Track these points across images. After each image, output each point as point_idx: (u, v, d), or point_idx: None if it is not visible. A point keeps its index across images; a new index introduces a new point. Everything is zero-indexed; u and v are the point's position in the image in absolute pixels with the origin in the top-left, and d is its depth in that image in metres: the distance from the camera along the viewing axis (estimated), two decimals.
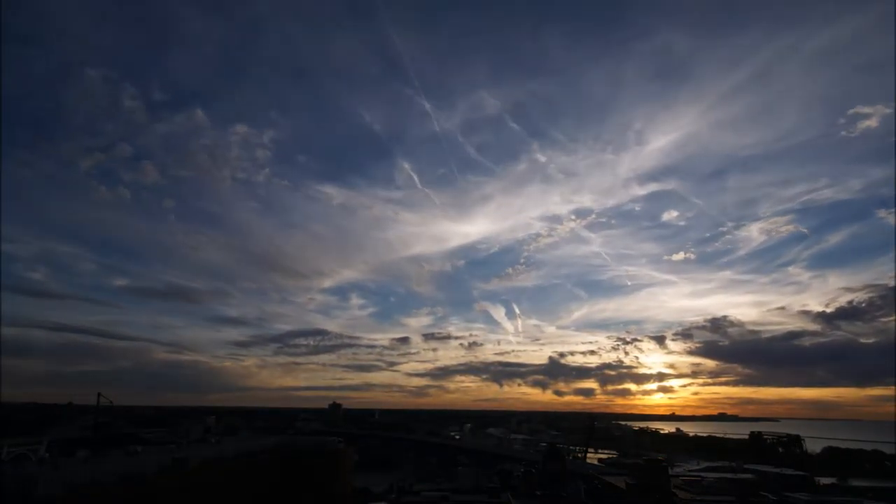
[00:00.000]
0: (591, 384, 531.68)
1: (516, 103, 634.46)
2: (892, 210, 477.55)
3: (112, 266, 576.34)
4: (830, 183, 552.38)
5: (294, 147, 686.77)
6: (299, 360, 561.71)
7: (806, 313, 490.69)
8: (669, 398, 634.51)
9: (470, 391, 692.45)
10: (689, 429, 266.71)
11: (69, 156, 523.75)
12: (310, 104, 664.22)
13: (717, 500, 59.30)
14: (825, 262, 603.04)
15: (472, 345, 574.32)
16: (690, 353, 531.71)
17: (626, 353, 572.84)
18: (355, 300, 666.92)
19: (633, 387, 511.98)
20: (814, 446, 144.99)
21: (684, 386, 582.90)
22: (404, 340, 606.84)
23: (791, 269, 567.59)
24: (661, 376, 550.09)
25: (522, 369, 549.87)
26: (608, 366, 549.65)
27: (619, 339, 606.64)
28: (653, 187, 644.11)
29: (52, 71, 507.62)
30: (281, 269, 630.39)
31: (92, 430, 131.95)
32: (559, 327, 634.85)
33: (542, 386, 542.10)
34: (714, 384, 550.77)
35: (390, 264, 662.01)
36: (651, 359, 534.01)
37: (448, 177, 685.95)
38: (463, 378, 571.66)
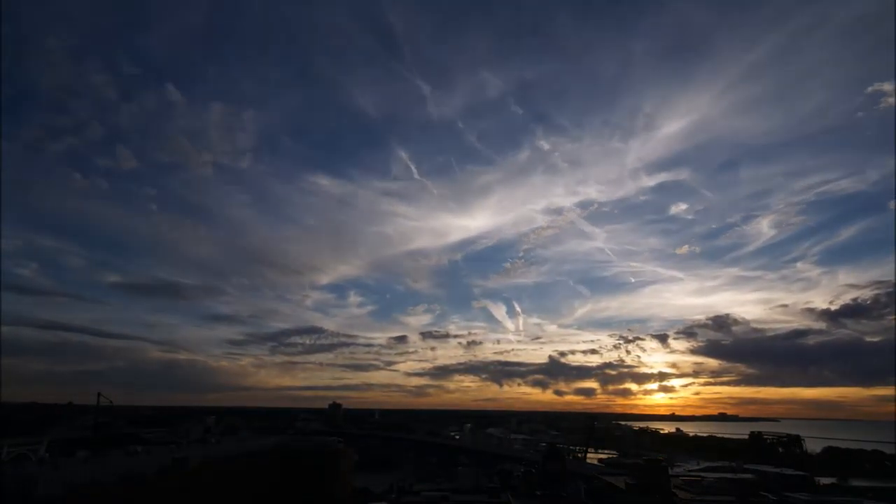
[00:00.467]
0: (591, 384, 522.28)
1: (520, 84, 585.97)
2: None
3: (98, 260, 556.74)
4: (847, 173, 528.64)
5: (282, 132, 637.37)
6: (296, 359, 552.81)
7: (810, 311, 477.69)
8: (670, 398, 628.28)
9: (470, 391, 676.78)
10: (689, 429, 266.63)
11: (36, 138, 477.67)
12: (297, 84, 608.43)
13: (717, 500, 59.27)
14: (836, 257, 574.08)
15: (472, 344, 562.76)
16: (693, 351, 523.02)
17: (628, 353, 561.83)
18: (351, 297, 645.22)
19: (633, 387, 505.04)
20: (814, 446, 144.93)
21: (685, 386, 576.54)
22: (402, 339, 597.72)
23: (800, 265, 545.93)
24: (662, 376, 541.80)
25: (522, 369, 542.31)
26: (609, 365, 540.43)
27: (621, 337, 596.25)
28: (662, 177, 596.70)
29: (7, 39, 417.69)
30: (273, 264, 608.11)
31: (92, 430, 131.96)
32: (561, 326, 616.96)
33: (543, 386, 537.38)
34: (716, 384, 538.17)
35: (387, 260, 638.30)
36: (653, 358, 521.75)
37: (447, 166, 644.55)
38: (462, 378, 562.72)
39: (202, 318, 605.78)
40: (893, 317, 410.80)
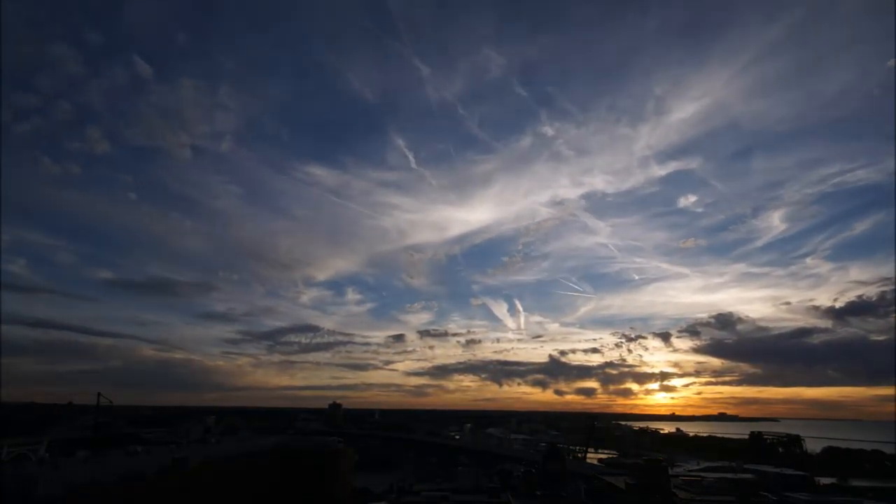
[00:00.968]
0: (592, 384, 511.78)
1: (524, 63, 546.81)
2: None
3: (83, 254, 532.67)
4: (866, 162, 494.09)
5: (271, 117, 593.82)
6: (293, 358, 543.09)
7: (815, 309, 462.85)
8: (672, 398, 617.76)
9: (469, 391, 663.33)
10: (689, 429, 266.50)
11: None
12: (286, 64, 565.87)
13: (717, 500, 59.28)
14: (848, 253, 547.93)
15: (471, 342, 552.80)
16: (696, 350, 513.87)
17: (630, 351, 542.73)
18: (348, 295, 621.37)
19: (635, 386, 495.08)
20: (814, 446, 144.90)
21: (687, 385, 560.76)
22: (400, 338, 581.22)
23: (809, 260, 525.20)
24: (663, 375, 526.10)
25: (522, 368, 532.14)
26: (610, 364, 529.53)
27: (623, 335, 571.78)
28: (672, 166, 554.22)
29: None
30: (266, 259, 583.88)
31: (92, 430, 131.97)
32: (562, 324, 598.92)
33: (543, 385, 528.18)
34: (718, 383, 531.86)
35: (384, 255, 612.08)
36: (655, 357, 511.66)
37: (446, 155, 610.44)
38: (462, 377, 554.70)
39: (195, 316, 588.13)
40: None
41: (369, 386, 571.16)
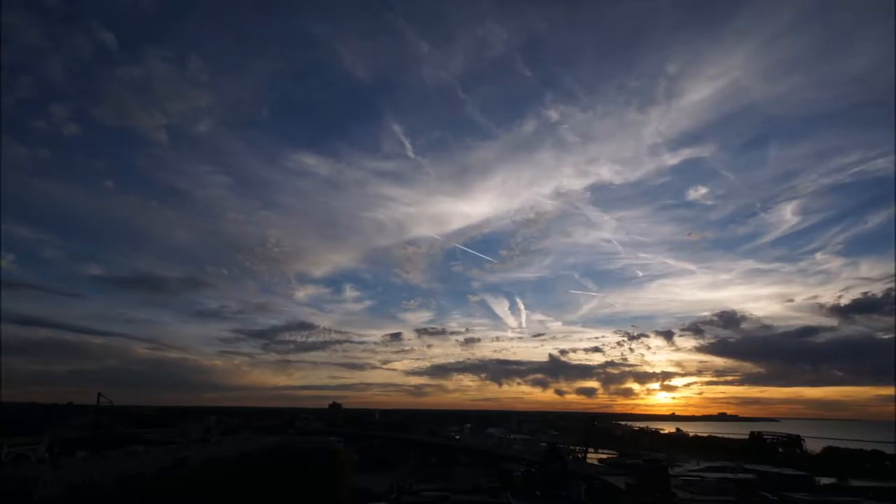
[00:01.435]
0: (593, 383, 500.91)
1: (529, 38, 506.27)
2: None
3: (63, 248, 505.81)
4: (889, 150, 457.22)
5: (259, 100, 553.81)
6: (290, 357, 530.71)
7: (821, 306, 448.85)
8: (673, 398, 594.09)
9: (469, 390, 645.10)
10: (690, 429, 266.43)
11: None
12: (274, 42, 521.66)
13: (717, 500, 59.32)
14: (861, 248, 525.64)
15: (471, 341, 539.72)
16: (699, 350, 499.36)
17: (632, 350, 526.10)
18: (344, 292, 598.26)
19: (636, 386, 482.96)
20: (814, 446, 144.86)
21: (688, 385, 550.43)
22: (399, 337, 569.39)
23: (819, 255, 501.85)
24: (665, 375, 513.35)
25: (523, 367, 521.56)
26: (611, 364, 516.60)
27: (625, 333, 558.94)
28: (683, 154, 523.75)
29: None
30: (257, 253, 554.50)
31: (92, 430, 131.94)
32: (564, 322, 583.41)
33: (543, 385, 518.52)
34: (720, 383, 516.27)
35: (380, 251, 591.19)
36: (657, 356, 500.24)
37: (445, 142, 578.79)
38: (462, 377, 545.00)
39: (187, 314, 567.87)
40: None
41: (368, 386, 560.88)
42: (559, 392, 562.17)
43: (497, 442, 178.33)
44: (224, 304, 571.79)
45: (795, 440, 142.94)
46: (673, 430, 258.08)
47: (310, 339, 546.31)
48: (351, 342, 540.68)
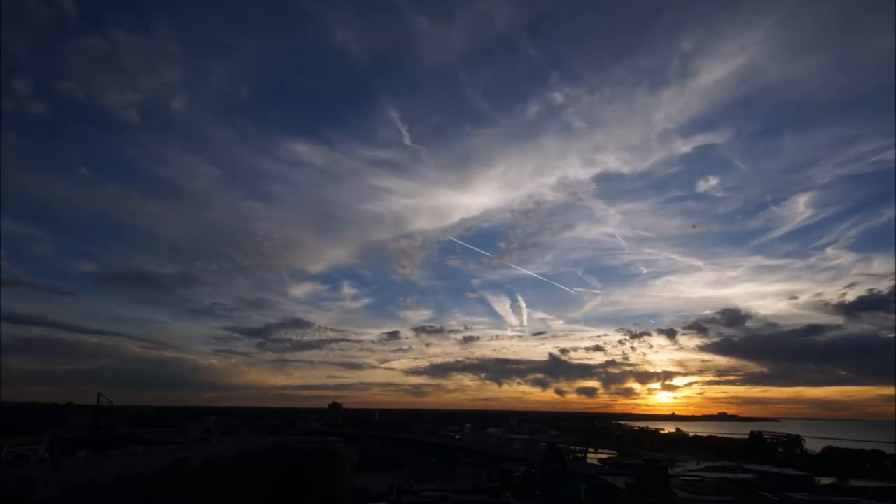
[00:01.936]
0: (593, 383, 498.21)
1: (535, 12, 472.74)
2: None
3: (45, 242, 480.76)
4: None
5: (247, 82, 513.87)
6: (287, 356, 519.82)
7: (826, 304, 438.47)
8: (674, 397, 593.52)
9: (469, 390, 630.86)
10: (690, 429, 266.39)
11: None
12: (258, 11, 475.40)
13: (717, 500, 59.32)
14: (875, 242, 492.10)
15: (470, 339, 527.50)
16: (702, 349, 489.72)
17: (633, 350, 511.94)
18: (340, 289, 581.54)
19: (637, 386, 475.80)
20: (814, 446, 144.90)
21: (689, 384, 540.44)
22: (397, 335, 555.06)
23: (830, 250, 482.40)
24: (667, 374, 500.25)
25: (522, 367, 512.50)
26: (612, 363, 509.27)
27: (627, 332, 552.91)
28: (696, 141, 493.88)
29: None
30: (249, 248, 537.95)
31: (92, 430, 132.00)
32: (566, 321, 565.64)
33: (543, 385, 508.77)
34: (722, 382, 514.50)
35: (377, 246, 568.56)
36: (659, 356, 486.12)
37: (443, 129, 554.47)
38: (462, 376, 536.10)
39: (179, 312, 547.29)
40: None
41: (367, 385, 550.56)
42: (559, 392, 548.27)
43: (497, 442, 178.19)
44: (217, 301, 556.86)
45: (795, 440, 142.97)
46: (673, 430, 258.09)
47: (305, 338, 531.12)
48: (348, 341, 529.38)
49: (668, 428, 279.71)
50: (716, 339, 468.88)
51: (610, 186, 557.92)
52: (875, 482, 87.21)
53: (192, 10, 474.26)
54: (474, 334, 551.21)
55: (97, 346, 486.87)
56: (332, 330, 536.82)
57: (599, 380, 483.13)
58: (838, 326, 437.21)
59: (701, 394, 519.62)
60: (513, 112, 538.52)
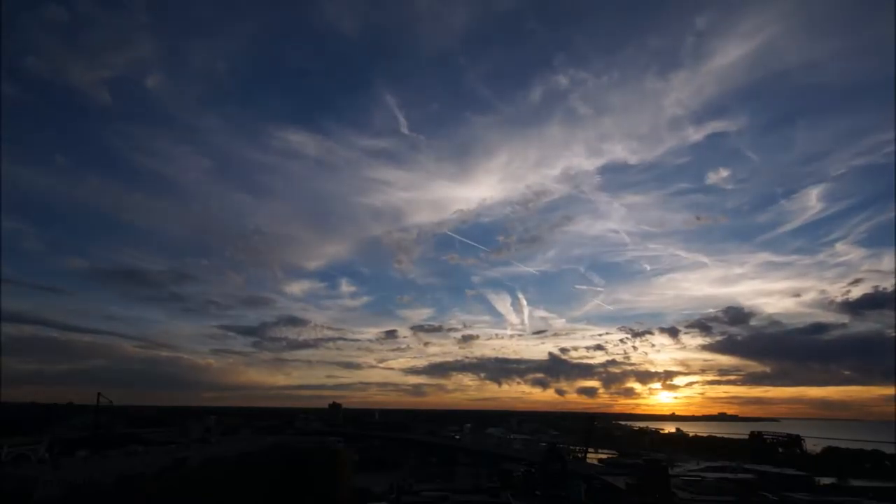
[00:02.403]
0: (594, 383, 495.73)
1: None
2: None
3: (27, 235, 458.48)
4: None
5: (236, 66, 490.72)
6: (284, 355, 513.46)
7: (831, 302, 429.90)
8: (675, 397, 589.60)
9: (469, 390, 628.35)
10: (690, 429, 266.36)
11: None
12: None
13: (717, 500, 59.34)
14: (886, 238, 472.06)
15: (470, 338, 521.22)
16: (704, 348, 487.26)
17: (635, 349, 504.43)
18: (336, 286, 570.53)
19: (638, 386, 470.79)
20: (814, 446, 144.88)
21: (690, 384, 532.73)
22: (393, 333, 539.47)
23: (839, 246, 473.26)
24: (668, 374, 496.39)
25: (522, 366, 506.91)
26: (613, 362, 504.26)
27: (630, 330, 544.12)
28: (708, 129, 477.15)
29: None
30: (242, 245, 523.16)
31: (92, 430, 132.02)
32: (568, 319, 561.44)
33: (543, 385, 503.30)
34: (723, 382, 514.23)
35: (375, 241, 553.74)
36: (661, 355, 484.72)
37: (443, 116, 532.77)
38: (461, 376, 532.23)
39: (173, 310, 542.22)
40: None
41: (367, 385, 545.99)
42: (559, 392, 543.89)
43: (497, 442, 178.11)
44: (210, 299, 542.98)
45: (795, 440, 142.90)
46: (673, 430, 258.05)
47: (302, 337, 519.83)
48: (345, 340, 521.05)
49: (668, 428, 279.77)
50: (719, 338, 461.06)
51: (615, 178, 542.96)
52: (875, 482, 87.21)
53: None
54: (474, 333, 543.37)
55: (91, 345, 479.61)
56: (328, 328, 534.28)
57: (600, 379, 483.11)
58: (843, 325, 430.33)
59: (702, 394, 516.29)
60: (515, 98, 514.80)
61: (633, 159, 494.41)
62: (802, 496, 61.13)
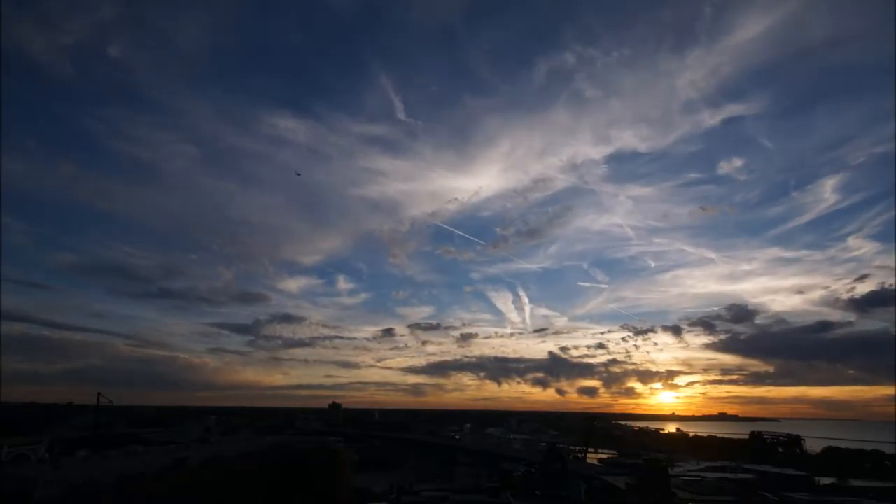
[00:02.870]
0: (594, 382, 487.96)
1: None
2: None
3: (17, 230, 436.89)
4: None
5: (222, 46, 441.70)
6: (280, 354, 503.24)
7: (837, 299, 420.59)
8: (676, 397, 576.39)
9: (468, 389, 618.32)
10: (690, 429, 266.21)
11: None
12: None
13: (717, 500, 59.36)
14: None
15: (469, 337, 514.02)
16: (708, 346, 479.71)
17: (637, 347, 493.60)
18: (331, 283, 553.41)
19: (638, 385, 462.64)
20: (814, 446, 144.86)
21: (691, 384, 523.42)
22: (390, 332, 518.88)
23: (851, 240, 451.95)
24: (670, 374, 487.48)
25: (522, 366, 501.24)
26: (614, 362, 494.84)
27: (632, 328, 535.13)
28: (725, 112, 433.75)
29: None
30: (231, 238, 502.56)
31: (92, 430, 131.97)
32: (571, 318, 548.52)
33: (543, 384, 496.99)
34: (725, 382, 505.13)
35: (371, 235, 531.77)
36: (663, 354, 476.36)
37: (441, 100, 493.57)
38: (461, 375, 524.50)
39: (164, 308, 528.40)
40: None
41: (366, 385, 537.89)
42: (560, 392, 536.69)
43: (497, 442, 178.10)
44: (201, 295, 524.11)
45: (795, 440, 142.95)
46: (673, 430, 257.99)
47: (297, 335, 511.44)
48: (342, 338, 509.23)
49: (669, 428, 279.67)
50: (723, 337, 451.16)
51: (622, 168, 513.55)
52: (875, 482, 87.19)
53: None
54: (473, 331, 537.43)
55: (81, 343, 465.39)
56: (325, 326, 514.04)
57: (601, 379, 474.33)
58: (849, 323, 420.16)
59: (703, 393, 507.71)
60: (518, 78, 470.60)
61: (642, 147, 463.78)
62: (802, 496, 61.15)
